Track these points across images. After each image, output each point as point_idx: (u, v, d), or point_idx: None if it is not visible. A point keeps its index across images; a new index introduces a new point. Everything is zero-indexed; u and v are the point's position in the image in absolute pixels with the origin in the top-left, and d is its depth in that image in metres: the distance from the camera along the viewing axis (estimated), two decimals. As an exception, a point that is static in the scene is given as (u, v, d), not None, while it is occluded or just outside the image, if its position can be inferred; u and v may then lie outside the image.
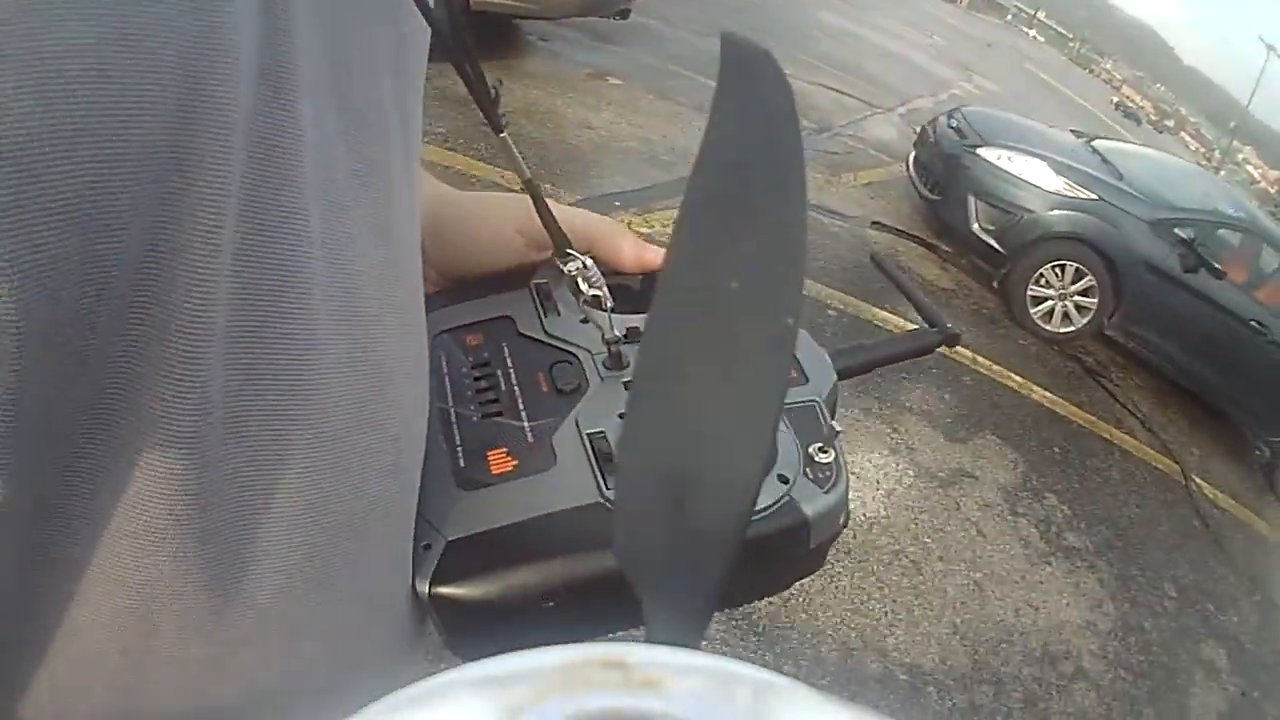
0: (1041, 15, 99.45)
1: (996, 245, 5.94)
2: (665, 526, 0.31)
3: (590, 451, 0.52)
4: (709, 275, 0.33)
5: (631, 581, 0.31)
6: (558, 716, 0.20)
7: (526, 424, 0.54)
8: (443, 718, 0.21)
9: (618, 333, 0.56)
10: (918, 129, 7.34)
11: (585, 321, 0.59)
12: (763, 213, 0.35)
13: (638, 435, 0.32)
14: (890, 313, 5.04)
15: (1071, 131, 7.65)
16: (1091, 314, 5.93)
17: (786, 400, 0.57)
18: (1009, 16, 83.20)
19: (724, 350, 0.33)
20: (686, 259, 0.33)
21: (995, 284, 6.11)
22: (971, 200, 6.05)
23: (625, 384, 0.54)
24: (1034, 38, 79.11)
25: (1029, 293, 5.96)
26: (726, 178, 0.35)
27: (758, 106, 0.37)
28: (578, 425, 0.53)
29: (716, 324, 0.33)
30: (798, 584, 0.67)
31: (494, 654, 0.21)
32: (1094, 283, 5.85)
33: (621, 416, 0.49)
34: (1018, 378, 5.32)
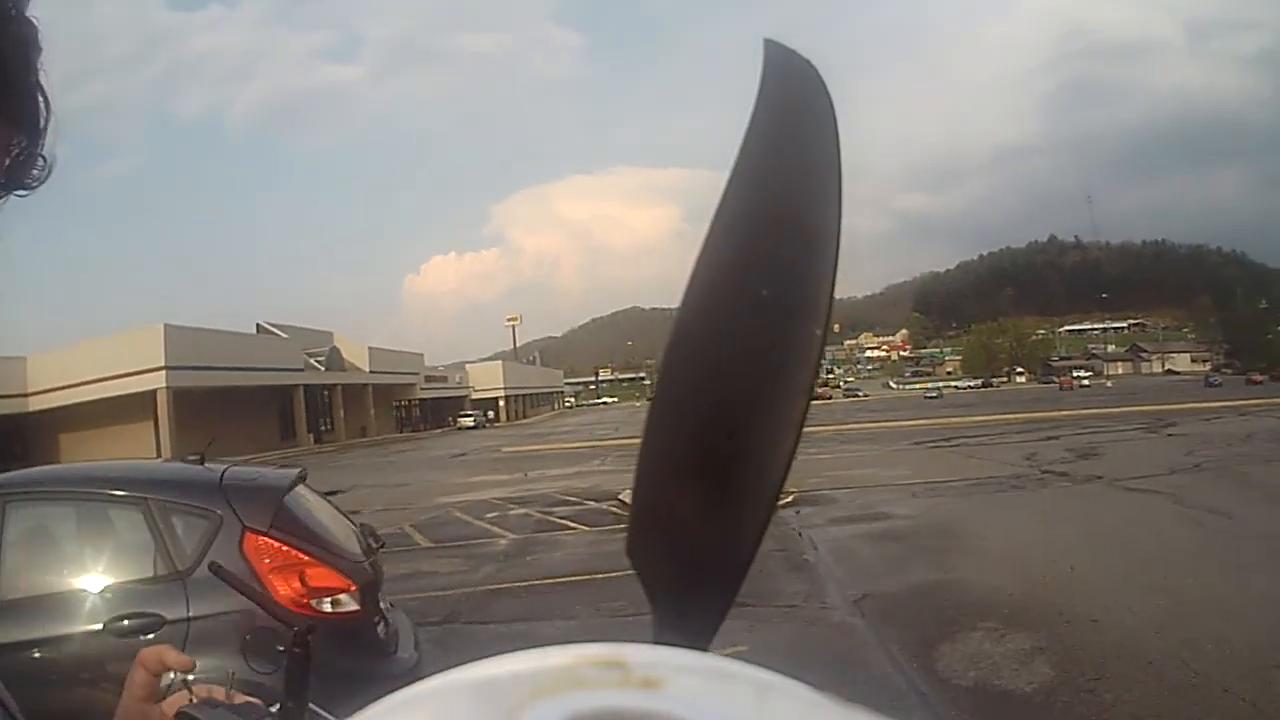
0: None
1: None
2: (682, 530, 0.32)
3: None
4: (739, 281, 0.33)
5: (643, 584, 0.32)
6: (558, 716, 0.21)
7: None
8: (443, 717, 0.22)
9: None
10: None
11: None
12: (797, 221, 0.34)
13: (657, 435, 0.33)
14: None
15: None
16: None
17: None
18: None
19: (750, 358, 0.33)
20: (717, 262, 0.33)
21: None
22: None
23: None
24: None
25: None
26: (762, 184, 0.35)
27: (797, 114, 0.37)
28: None
29: (743, 331, 0.33)
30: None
31: None
32: None
33: None
34: None
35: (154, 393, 42.21)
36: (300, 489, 4.97)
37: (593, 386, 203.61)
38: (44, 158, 0.67)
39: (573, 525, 13.48)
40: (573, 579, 9.67)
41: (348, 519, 5.37)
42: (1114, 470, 16.20)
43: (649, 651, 0.25)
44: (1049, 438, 24.73)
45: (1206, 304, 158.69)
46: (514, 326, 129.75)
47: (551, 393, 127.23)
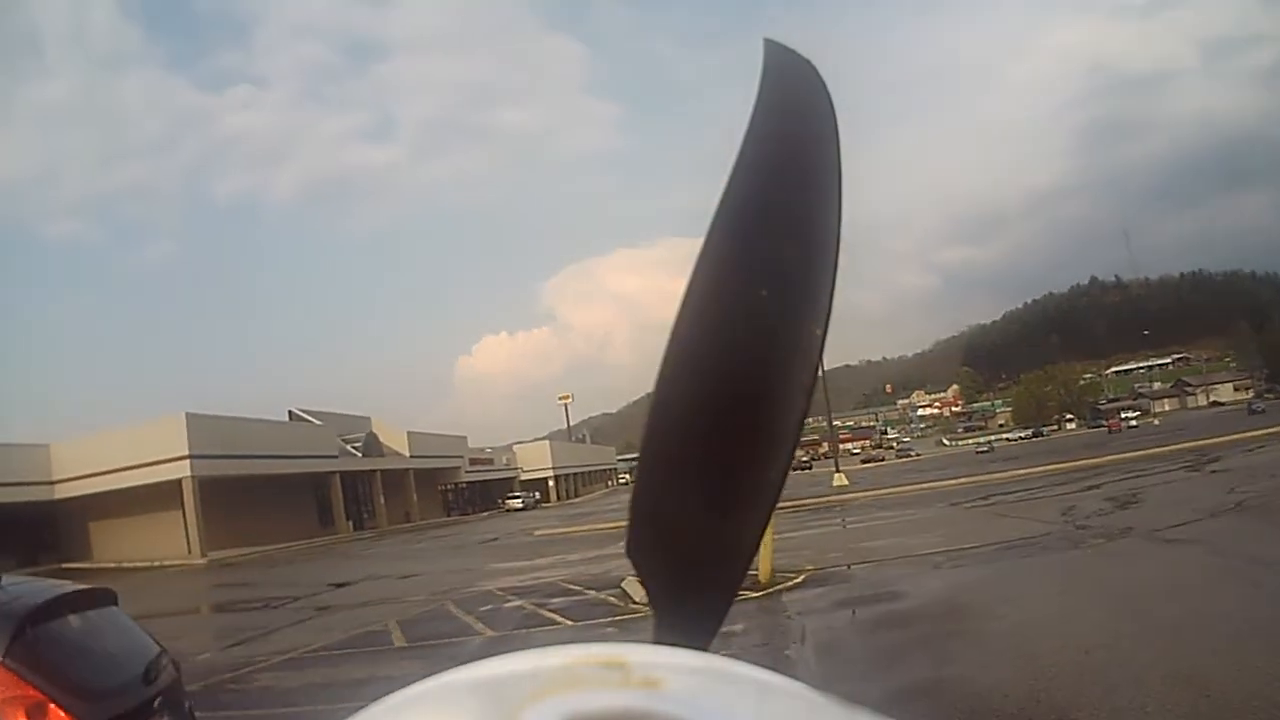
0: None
1: None
2: (682, 530, 0.32)
3: None
4: (739, 281, 0.33)
5: (644, 584, 0.33)
6: (558, 716, 0.21)
7: None
8: (443, 717, 0.21)
9: None
10: None
11: None
12: (797, 221, 0.34)
13: (658, 435, 0.32)
14: None
15: None
16: None
17: None
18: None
19: (750, 358, 0.32)
20: (717, 262, 0.33)
21: None
22: None
23: None
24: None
25: None
26: (762, 185, 0.34)
27: (797, 114, 0.37)
28: None
29: (743, 331, 0.32)
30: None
31: None
32: None
33: None
34: None
35: (179, 482, 41.32)
36: (91, 612, 4.55)
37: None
38: None
39: (559, 620, 12.31)
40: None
41: (155, 645, 4.81)
42: (1152, 520, 14.61)
43: (649, 651, 0.25)
44: (1090, 487, 23.00)
45: (1245, 330, 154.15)
46: (566, 405, 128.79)
47: (604, 470, 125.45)
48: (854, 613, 10.20)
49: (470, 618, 13.34)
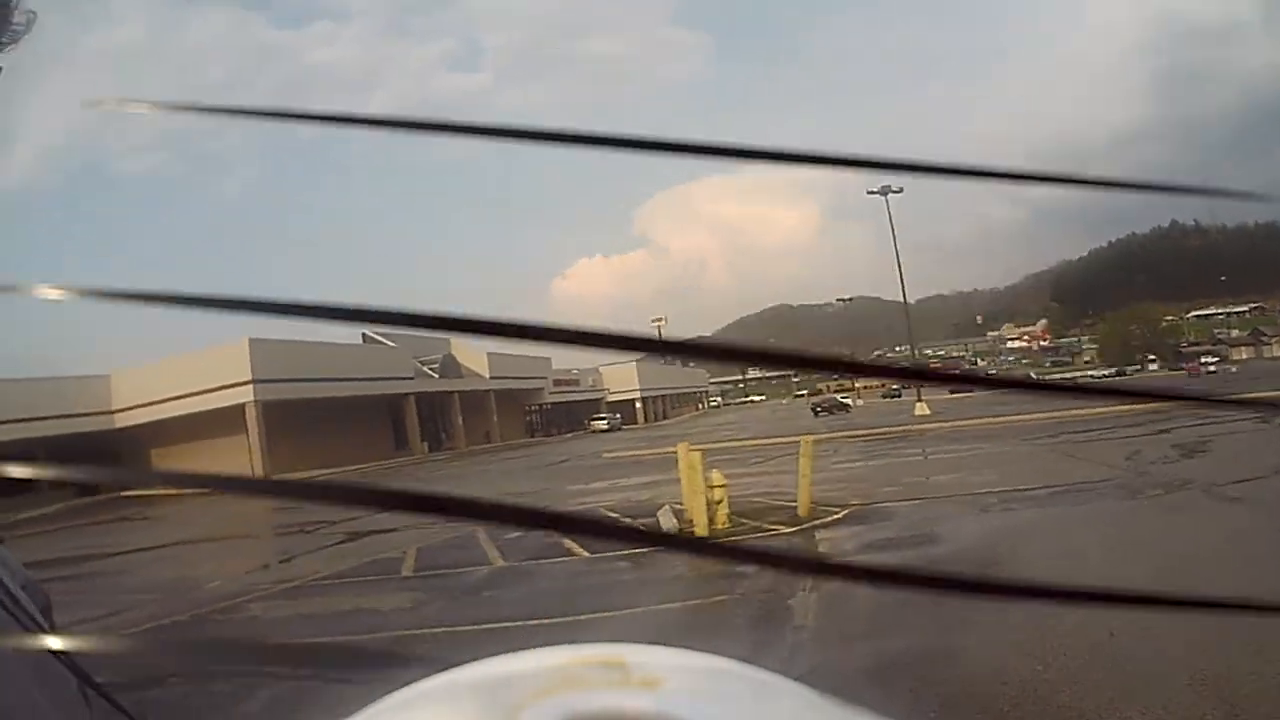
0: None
1: None
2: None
3: None
4: None
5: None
6: (557, 716, 0.20)
7: None
8: (443, 717, 0.21)
9: None
10: None
11: None
12: None
13: None
14: None
15: None
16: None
17: None
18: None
19: None
20: None
21: None
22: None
23: None
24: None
25: None
26: None
27: None
28: None
29: None
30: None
31: None
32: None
33: None
34: None
35: (242, 407, 40.61)
36: None
37: (740, 385, 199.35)
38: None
39: (577, 551, 11.53)
40: (500, 626, 7.75)
41: (32, 583, 4.11)
42: (1216, 472, 13.20)
43: (648, 651, 0.25)
44: (1161, 431, 21.38)
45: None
46: (660, 327, 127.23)
47: (694, 393, 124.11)
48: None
49: (490, 546, 12.70)
